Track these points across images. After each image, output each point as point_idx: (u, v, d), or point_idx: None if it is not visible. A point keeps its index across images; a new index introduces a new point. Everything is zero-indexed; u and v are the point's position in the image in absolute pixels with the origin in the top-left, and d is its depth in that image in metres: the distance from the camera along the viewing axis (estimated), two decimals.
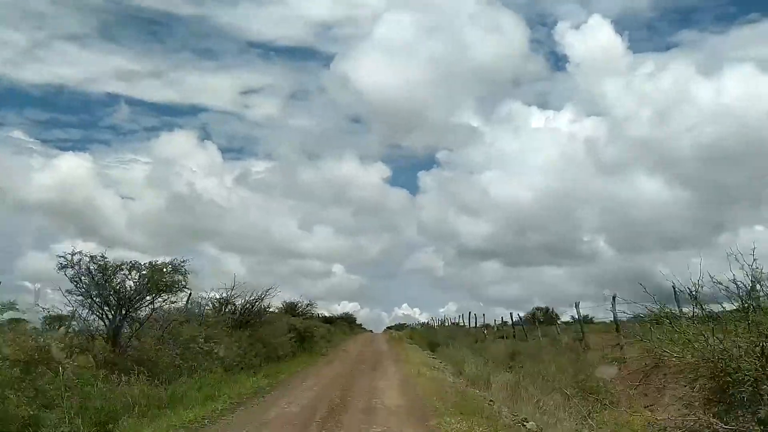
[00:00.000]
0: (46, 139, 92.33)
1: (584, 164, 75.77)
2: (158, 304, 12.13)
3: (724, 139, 60.60)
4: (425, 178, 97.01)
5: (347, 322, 56.91)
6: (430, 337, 35.02)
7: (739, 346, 7.08)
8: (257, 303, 19.24)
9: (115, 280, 11.32)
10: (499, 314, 52.11)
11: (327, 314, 48.17)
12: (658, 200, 67.13)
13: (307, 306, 33.43)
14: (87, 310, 11.19)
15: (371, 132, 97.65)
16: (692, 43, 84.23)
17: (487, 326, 34.97)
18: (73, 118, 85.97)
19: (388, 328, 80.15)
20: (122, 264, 11.65)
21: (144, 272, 11.62)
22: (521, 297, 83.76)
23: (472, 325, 38.03)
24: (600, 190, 74.32)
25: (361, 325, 71.55)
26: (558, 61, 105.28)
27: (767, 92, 63.27)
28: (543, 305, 38.40)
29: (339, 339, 36.91)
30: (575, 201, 76.40)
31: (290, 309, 30.72)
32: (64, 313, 11.51)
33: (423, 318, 67.50)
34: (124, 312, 11.37)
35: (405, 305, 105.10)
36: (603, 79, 75.59)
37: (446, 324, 51.87)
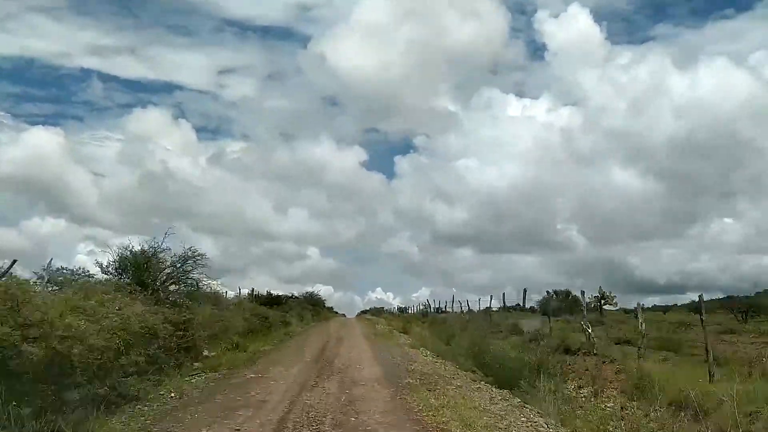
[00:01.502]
0: (17, 114, 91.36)
1: (559, 153, 76.79)
2: None
3: (697, 131, 62.54)
4: (402, 163, 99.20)
5: (310, 303, 45.19)
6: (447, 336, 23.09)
7: None
8: None
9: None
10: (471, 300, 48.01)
11: (273, 293, 36.05)
12: (631, 191, 68.03)
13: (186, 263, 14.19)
14: None
15: (348, 115, 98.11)
16: (668, 36, 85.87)
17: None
18: (44, 92, 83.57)
19: (362, 312, 77.84)
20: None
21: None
22: (493, 284, 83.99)
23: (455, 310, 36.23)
24: (574, 179, 75.85)
25: (332, 308, 66.49)
26: (537, 49, 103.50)
27: (740, 86, 63.72)
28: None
29: (287, 333, 24.78)
30: (550, 190, 76.58)
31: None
32: None
33: (396, 302, 65.83)
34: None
35: (379, 289, 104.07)
36: (580, 69, 77.99)
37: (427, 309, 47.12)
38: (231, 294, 24.93)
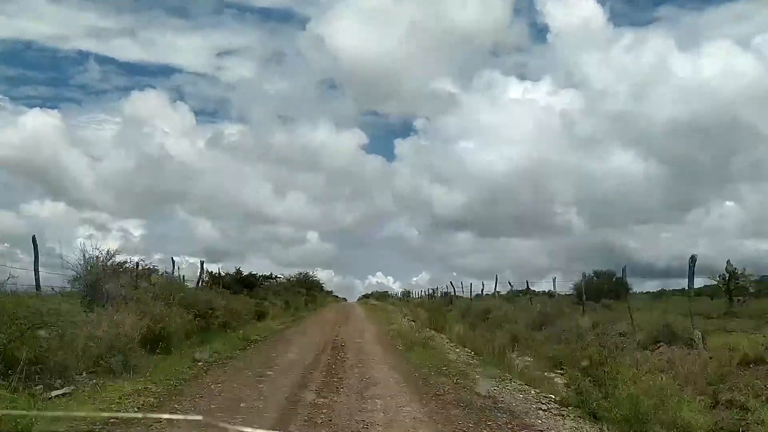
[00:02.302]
0: (14, 97, 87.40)
1: (560, 137, 74.00)
2: None
3: (699, 115, 59.85)
4: (402, 146, 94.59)
5: (304, 287, 35.91)
6: None
7: None
8: None
9: None
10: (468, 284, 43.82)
11: (247, 272, 26.57)
12: (632, 175, 65.72)
13: None
14: None
15: (347, 97, 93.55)
16: (671, 18, 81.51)
17: None
18: (42, 75, 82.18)
19: (364, 296, 76.56)
20: None
21: None
22: (493, 268, 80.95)
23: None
24: (574, 163, 72.83)
25: (332, 292, 62.20)
26: (538, 31, 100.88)
27: (743, 69, 61.50)
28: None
29: (243, 339, 14.39)
30: (549, 173, 74.62)
31: None
32: None
33: (397, 286, 66.30)
34: None
35: (379, 273, 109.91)
36: (582, 51, 74.44)
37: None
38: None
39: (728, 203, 71.45)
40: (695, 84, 63.30)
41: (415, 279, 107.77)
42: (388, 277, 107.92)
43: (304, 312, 29.75)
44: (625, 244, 63.95)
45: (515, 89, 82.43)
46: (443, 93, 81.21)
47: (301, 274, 37.91)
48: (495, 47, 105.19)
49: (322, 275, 60.17)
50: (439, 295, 42.40)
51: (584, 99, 75.06)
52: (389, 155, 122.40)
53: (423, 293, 50.96)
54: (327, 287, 57.07)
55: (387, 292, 73.27)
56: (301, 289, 33.94)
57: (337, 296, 67.11)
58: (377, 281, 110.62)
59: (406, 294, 58.46)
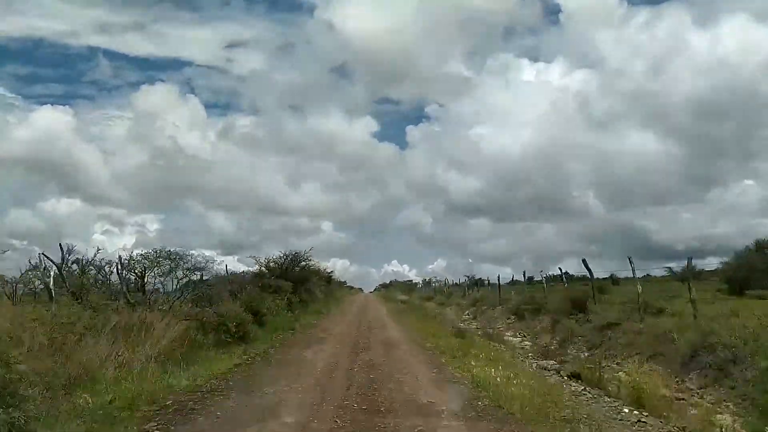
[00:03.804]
0: (27, 95, 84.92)
1: (575, 118, 72.72)
2: None
3: (717, 91, 58.04)
4: (414, 133, 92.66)
5: (292, 279, 20.23)
6: None
7: None
8: None
9: None
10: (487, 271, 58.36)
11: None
12: (649, 154, 64.79)
13: None
14: None
15: (358, 84, 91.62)
16: None
17: None
18: (54, 72, 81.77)
19: (382, 286, 73.86)
20: None
21: None
22: (509, 253, 78.06)
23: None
24: (590, 144, 71.41)
25: (345, 283, 55.19)
26: (551, 12, 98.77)
27: (762, 44, 58.15)
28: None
29: None
30: (565, 156, 73.80)
31: None
32: None
33: (412, 275, 67.06)
34: None
35: (395, 262, 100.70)
36: (596, 30, 73.85)
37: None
38: None
39: (748, 182, 69.12)
40: (713, 60, 61.28)
41: (430, 267, 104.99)
42: (404, 265, 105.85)
43: (296, 327, 14.77)
44: (643, 225, 65.93)
45: (528, 71, 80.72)
46: (456, 76, 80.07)
47: (289, 255, 22.48)
48: (507, 28, 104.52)
49: (338, 265, 57.74)
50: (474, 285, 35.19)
51: (599, 79, 74.33)
52: (401, 143, 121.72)
53: (448, 282, 46.25)
54: (341, 277, 49.37)
55: (413, 281, 64.65)
56: (281, 282, 18.84)
57: (351, 287, 60.20)
58: (393, 269, 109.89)
59: (427, 283, 52.76)
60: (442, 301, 32.59)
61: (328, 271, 30.95)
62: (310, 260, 23.46)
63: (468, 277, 39.24)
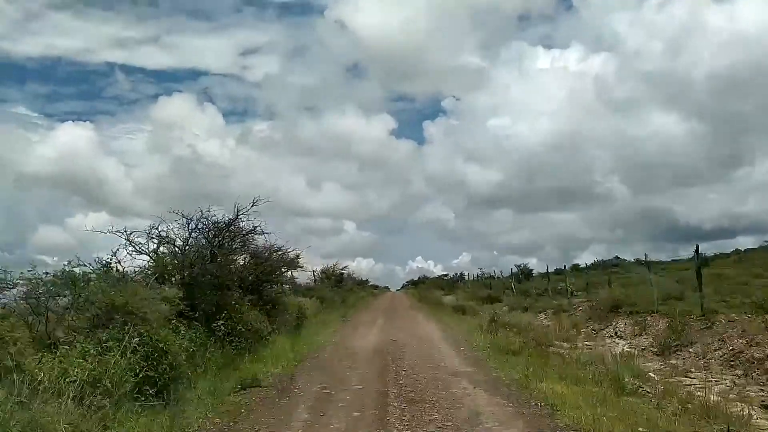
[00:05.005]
0: (50, 113, 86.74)
1: (595, 103, 72.40)
2: None
3: (738, 68, 56.48)
4: (431, 128, 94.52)
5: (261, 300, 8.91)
6: None
7: None
8: None
9: None
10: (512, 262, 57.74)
11: None
12: (673, 136, 64.13)
13: None
14: None
15: (373, 81, 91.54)
16: None
17: None
18: (73, 89, 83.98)
19: (411, 283, 70.85)
20: None
21: None
22: (534, 244, 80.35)
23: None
24: (612, 129, 71.01)
25: (367, 281, 49.67)
26: None
27: None
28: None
29: None
30: (586, 142, 73.51)
31: None
32: None
33: (438, 270, 66.85)
34: None
35: (419, 258, 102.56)
36: (611, 12, 74.38)
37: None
38: None
39: None
40: (733, 36, 58.38)
41: (455, 261, 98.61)
42: (429, 261, 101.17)
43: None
44: (670, 208, 66.00)
45: (544, 59, 78.64)
46: (470, 68, 78.46)
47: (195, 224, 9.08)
48: (521, 15, 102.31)
49: (362, 264, 53.84)
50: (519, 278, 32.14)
51: (617, 61, 72.37)
52: (419, 138, 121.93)
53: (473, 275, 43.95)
54: (363, 276, 45.69)
55: (461, 273, 54.32)
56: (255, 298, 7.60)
57: (375, 286, 54.41)
58: (418, 266, 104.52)
59: (460, 278, 49.89)
60: (523, 304, 21.40)
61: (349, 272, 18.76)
62: (261, 233, 11.23)
63: (518, 267, 36.60)
